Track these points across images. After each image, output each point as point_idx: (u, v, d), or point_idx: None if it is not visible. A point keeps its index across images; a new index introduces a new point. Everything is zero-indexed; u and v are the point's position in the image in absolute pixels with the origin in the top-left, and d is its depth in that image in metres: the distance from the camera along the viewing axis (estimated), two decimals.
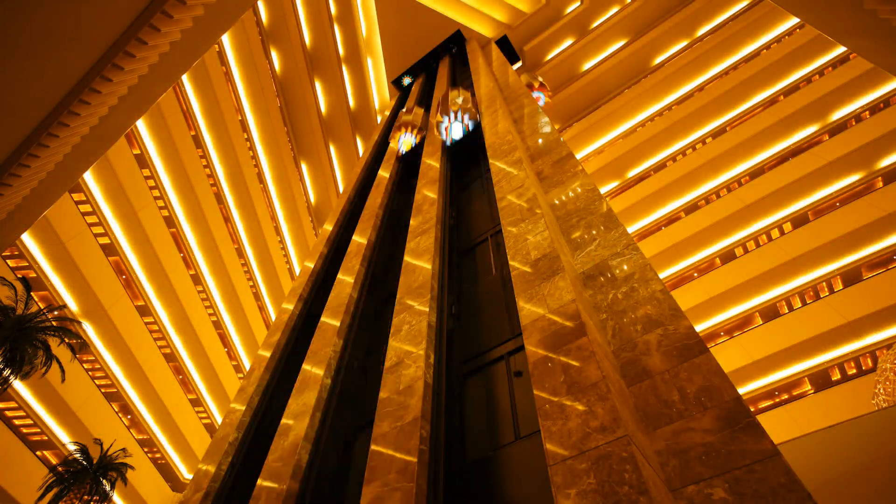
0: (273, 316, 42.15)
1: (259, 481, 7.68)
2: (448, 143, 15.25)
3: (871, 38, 9.37)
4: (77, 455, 22.59)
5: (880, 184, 22.16)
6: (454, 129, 14.85)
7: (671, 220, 28.04)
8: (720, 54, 30.00)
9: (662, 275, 26.29)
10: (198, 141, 32.45)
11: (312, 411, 8.37)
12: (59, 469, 21.95)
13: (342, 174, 40.30)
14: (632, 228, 29.08)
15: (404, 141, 18.39)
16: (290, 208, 41.58)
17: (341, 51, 34.45)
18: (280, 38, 34.02)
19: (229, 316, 37.80)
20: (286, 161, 39.06)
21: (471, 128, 14.85)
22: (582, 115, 35.50)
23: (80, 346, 21.38)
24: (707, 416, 4.45)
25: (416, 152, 19.09)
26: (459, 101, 15.22)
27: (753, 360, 21.08)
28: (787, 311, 22.23)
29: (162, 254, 30.80)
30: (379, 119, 36.48)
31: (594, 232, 7.97)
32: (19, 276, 23.39)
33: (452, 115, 14.88)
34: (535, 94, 28.24)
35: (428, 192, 12.84)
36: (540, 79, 30.39)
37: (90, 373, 28.44)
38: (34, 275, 25.04)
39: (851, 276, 21.23)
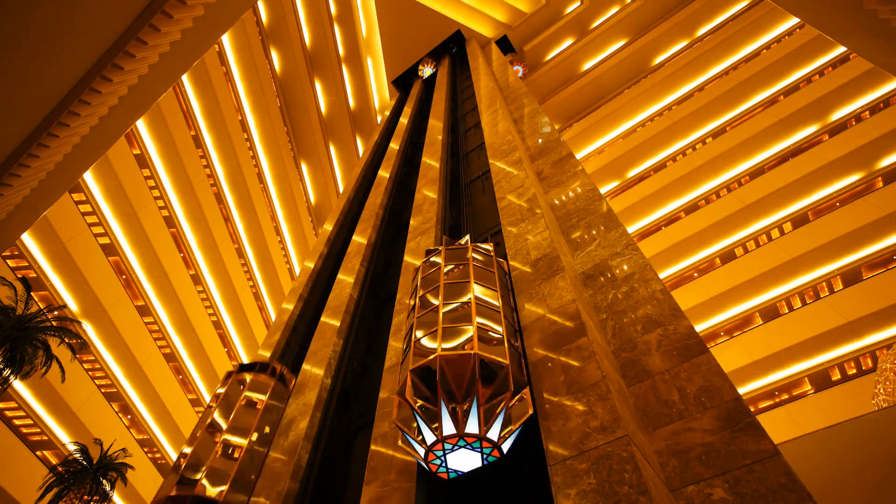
0: (273, 316, 42.15)
1: (259, 481, 7.69)
2: None
3: (871, 38, 9.37)
4: (77, 455, 22.56)
5: (880, 184, 22.16)
6: None
7: (671, 220, 28.03)
8: (720, 54, 29.99)
9: (662, 275, 26.29)
10: (198, 141, 32.44)
11: (312, 411, 8.37)
12: (59, 469, 21.93)
13: (342, 174, 40.30)
14: (632, 228, 29.07)
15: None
16: (290, 208, 41.57)
17: (341, 51, 34.44)
18: (280, 38, 34.01)
19: (229, 316, 37.78)
20: (286, 161, 39.05)
21: None
22: (582, 115, 35.50)
23: (80, 346, 21.35)
24: (707, 416, 4.45)
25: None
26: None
27: (753, 360, 21.08)
28: (787, 311, 22.22)
29: (162, 254, 30.78)
30: (379, 119, 36.48)
31: (594, 232, 7.97)
32: (19, 276, 23.38)
33: None
34: (515, 68, 30.29)
35: (428, 192, 12.84)
36: (517, 56, 32.70)
37: (90, 373, 28.43)
38: (34, 275, 25.03)
39: (851, 276, 21.23)
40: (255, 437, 7.44)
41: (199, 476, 6.67)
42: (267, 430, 7.90)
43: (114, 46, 10.86)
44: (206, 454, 7.01)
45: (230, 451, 7.14)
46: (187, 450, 7.24)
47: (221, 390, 8.40)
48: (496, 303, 5.88)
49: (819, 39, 25.52)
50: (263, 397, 8.06)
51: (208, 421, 7.62)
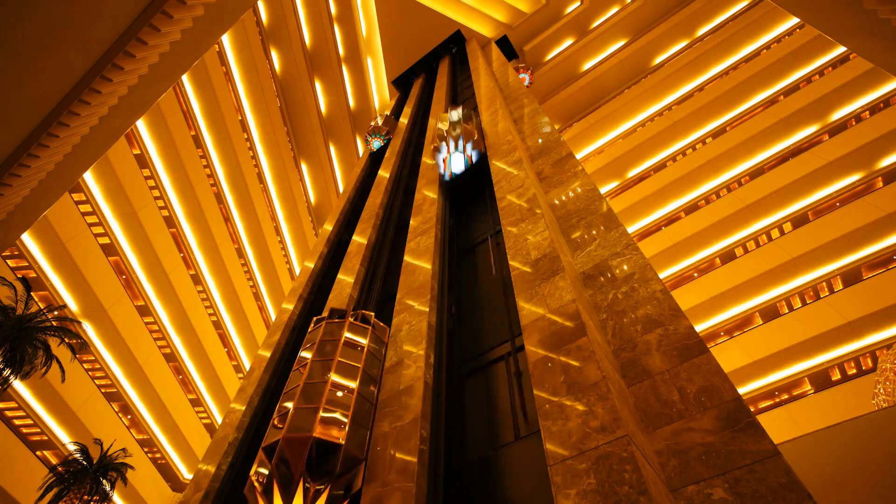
0: (273, 316, 42.15)
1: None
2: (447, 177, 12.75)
3: (871, 38, 9.37)
4: (77, 455, 22.55)
5: (880, 184, 22.16)
6: (454, 163, 12.26)
7: (671, 220, 28.03)
8: (720, 54, 29.99)
9: (662, 275, 26.29)
10: (198, 141, 32.43)
11: None
12: (59, 469, 21.91)
13: (342, 174, 40.30)
14: (632, 228, 29.07)
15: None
16: (290, 208, 41.56)
17: (341, 51, 34.44)
18: (280, 38, 34.01)
19: (229, 316, 37.77)
20: (286, 161, 39.05)
21: (474, 159, 12.29)
22: (582, 115, 35.51)
23: (80, 346, 21.33)
24: (707, 416, 4.45)
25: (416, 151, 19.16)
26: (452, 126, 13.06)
27: (753, 360, 21.08)
28: (787, 311, 22.22)
29: (162, 254, 30.77)
30: (379, 119, 36.45)
31: (594, 232, 7.97)
32: (19, 276, 23.37)
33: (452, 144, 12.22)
34: (521, 76, 30.01)
35: (428, 192, 12.84)
36: (523, 64, 32.07)
37: (90, 373, 28.41)
38: (34, 275, 25.02)
39: (851, 276, 21.23)
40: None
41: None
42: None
43: (114, 46, 10.86)
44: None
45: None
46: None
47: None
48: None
49: (819, 39, 25.52)
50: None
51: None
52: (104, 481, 22.69)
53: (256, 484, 6.06)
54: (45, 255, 25.17)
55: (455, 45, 34.30)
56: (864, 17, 8.71)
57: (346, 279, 12.34)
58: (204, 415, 36.70)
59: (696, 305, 23.77)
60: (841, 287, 21.28)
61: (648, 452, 4.33)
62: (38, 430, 25.91)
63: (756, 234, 24.47)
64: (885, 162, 22.13)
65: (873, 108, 23.93)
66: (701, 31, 31.69)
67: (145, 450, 31.78)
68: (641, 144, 30.56)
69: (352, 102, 36.86)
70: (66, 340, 20.30)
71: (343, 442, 5.95)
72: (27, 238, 24.33)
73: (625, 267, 6.84)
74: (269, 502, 5.79)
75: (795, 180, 23.60)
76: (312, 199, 42.76)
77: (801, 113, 25.17)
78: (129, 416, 31.09)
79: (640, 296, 6.19)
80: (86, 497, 21.97)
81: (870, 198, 21.34)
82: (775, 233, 24.10)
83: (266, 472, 5.98)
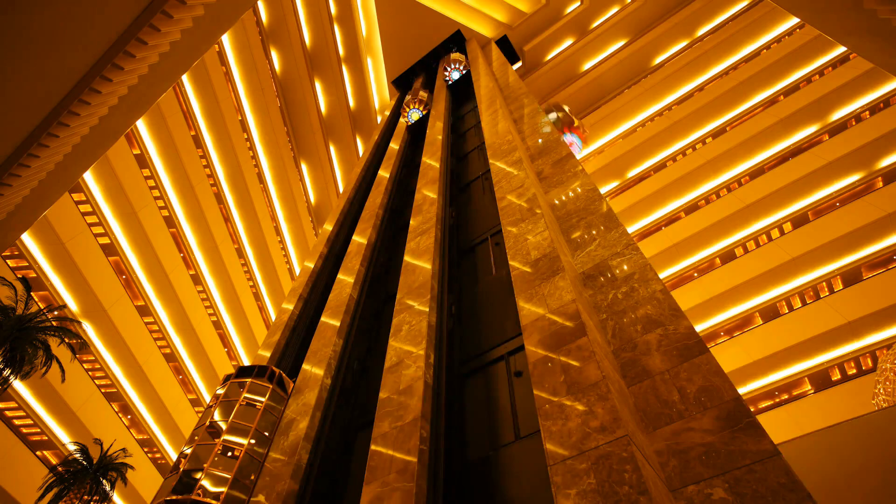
0: (273, 316, 42.14)
1: (259, 481, 7.69)
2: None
3: (871, 38, 9.37)
4: (77, 455, 22.52)
5: (880, 184, 22.15)
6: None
7: (671, 220, 28.02)
8: (720, 54, 29.98)
9: (662, 275, 26.28)
10: (198, 141, 32.42)
11: (312, 411, 8.37)
12: (59, 469, 21.89)
13: (342, 174, 40.29)
14: (632, 228, 29.07)
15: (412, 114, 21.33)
16: (290, 208, 41.56)
17: (341, 51, 34.43)
18: (280, 38, 34.00)
19: (229, 316, 37.76)
20: (286, 161, 39.04)
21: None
22: (582, 115, 35.48)
23: (80, 346, 21.31)
24: (707, 416, 4.44)
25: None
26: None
27: (753, 360, 21.07)
28: (787, 311, 22.22)
29: (162, 254, 30.77)
30: (379, 119, 36.46)
31: (594, 232, 7.97)
32: (19, 276, 23.36)
33: None
34: (569, 139, 27.43)
35: (428, 192, 12.84)
36: (577, 121, 29.77)
37: (90, 373, 28.41)
38: (34, 275, 25.01)
39: (851, 276, 21.22)
40: (253, 438, 7.57)
41: (198, 476, 6.80)
42: (266, 432, 8.05)
43: (114, 46, 10.86)
44: (206, 455, 7.15)
45: (229, 452, 7.33)
46: (187, 450, 7.38)
47: (221, 391, 8.50)
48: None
49: (819, 39, 25.51)
50: (262, 399, 8.23)
51: (207, 422, 7.79)
52: (104, 481, 22.67)
53: None
54: (45, 255, 25.17)
55: (455, 45, 34.25)
56: (864, 17, 8.71)
57: (346, 279, 12.34)
58: None
59: (696, 305, 23.76)
60: (841, 287, 21.27)
61: (648, 452, 4.33)
62: (38, 430, 25.90)
63: (756, 234, 24.47)
64: (885, 162, 22.12)
65: (873, 108, 23.93)
66: (701, 31, 31.69)
67: (145, 450, 31.78)
68: (641, 144, 30.56)
69: (352, 102, 36.84)
70: (66, 340, 20.28)
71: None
72: (27, 238, 24.33)
73: (625, 267, 6.84)
74: None
75: (795, 180, 23.59)
76: (312, 199, 42.75)
77: (801, 113, 25.16)
78: (129, 416, 31.09)
79: (640, 296, 6.19)
80: (86, 497, 21.95)
81: (870, 198, 21.34)
82: (775, 233, 24.10)
83: None
